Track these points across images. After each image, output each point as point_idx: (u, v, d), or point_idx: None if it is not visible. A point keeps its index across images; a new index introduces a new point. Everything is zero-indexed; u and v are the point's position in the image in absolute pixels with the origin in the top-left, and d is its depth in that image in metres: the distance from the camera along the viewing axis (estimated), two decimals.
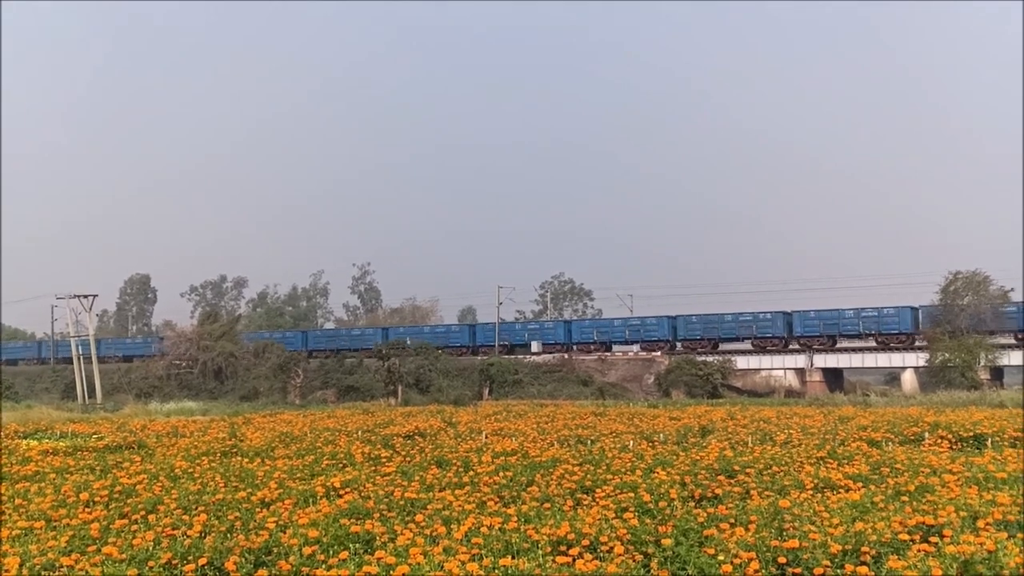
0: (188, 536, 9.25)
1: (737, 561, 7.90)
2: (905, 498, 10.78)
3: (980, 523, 9.06)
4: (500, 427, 25.43)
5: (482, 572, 7.60)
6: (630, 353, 66.06)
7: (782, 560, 8.05)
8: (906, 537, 8.59)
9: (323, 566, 8.09)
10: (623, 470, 13.79)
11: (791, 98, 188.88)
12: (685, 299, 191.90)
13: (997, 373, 56.30)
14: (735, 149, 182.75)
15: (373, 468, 15.25)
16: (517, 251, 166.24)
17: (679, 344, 65.70)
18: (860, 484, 12.33)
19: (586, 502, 11.39)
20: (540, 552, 8.37)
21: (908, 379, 58.29)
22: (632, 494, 11.27)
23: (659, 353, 64.50)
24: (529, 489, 12.29)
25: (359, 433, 23.78)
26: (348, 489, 12.56)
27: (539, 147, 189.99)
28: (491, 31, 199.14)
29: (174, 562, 8.33)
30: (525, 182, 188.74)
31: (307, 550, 8.41)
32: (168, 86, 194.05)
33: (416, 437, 22.51)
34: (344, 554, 8.33)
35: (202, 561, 8.24)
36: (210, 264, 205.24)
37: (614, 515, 9.98)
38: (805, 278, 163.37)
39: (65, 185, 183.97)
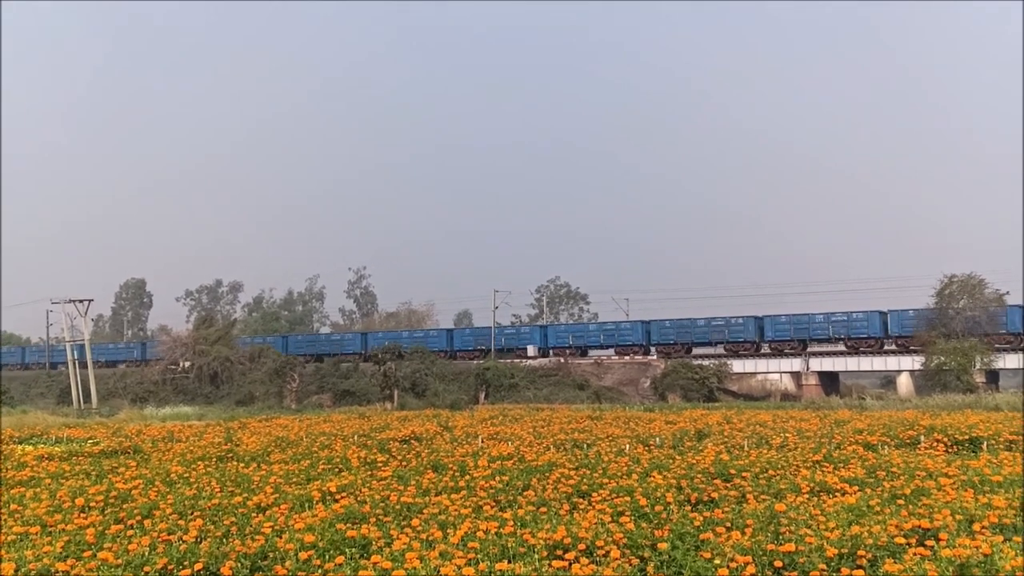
0: (184, 541, 9.24)
1: (733, 565, 7.90)
2: (901, 501, 10.80)
3: (976, 526, 9.08)
4: (496, 431, 25.42)
5: None
6: (625, 357, 66.14)
7: (778, 564, 8.06)
8: (902, 541, 8.60)
9: (319, 571, 8.08)
10: (619, 474, 13.80)
11: (791, 98, 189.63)
12: (685, 302, 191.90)
13: (993, 376, 56.41)
14: (735, 150, 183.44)
15: (369, 473, 15.24)
16: (515, 253, 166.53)
17: (653, 349, 66.38)
18: (856, 488, 12.34)
19: (582, 506, 11.38)
20: (536, 556, 8.37)
21: (904, 382, 58.34)
22: (628, 498, 11.27)
23: (655, 357, 64.60)
24: (525, 493, 12.28)
25: (355, 437, 23.76)
26: (344, 494, 12.55)
27: (538, 147, 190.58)
28: (491, 31, 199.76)
29: (170, 567, 8.31)
30: (524, 183, 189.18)
31: (303, 555, 8.40)
32: (168, 86, 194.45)
33: (412, 441, 22.48)
34: (340, 559, 8.33)
35: (198, 566, 8.23)
36: (207, 267, 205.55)
37: (610, 519, 9.98)
38: (806, 280, 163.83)
39: (65, 185, 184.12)
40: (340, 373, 67.01)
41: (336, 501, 11.98)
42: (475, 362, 67.63)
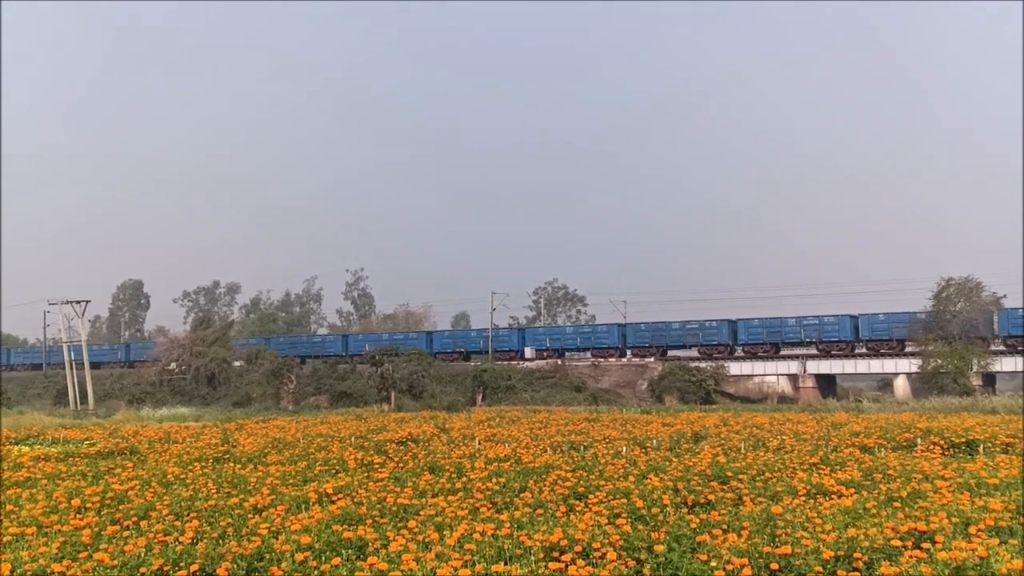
0: (180, 542, 9.23)
1: (730, 567, 7.91)
2: (897, 504, 10.80)
3: (972, 529, 9.09)
4: (493, 433, 25.41)
5: None
6: (623, 359, 66.22)
7: (774, 566, 8.06)
8: (898, 543, 8.61)
9: (316, 572, 8.08)
10: (616, 476, 13.80)
11: (791, 98, 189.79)
12: (684, 304, 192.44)
13: (989, 379, 56.49)
14: (735, 150, 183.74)
15: (366, 474, 15.24)
16: (514, 254, 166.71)
17: (628, 351, 66.91)
18: (853, 490, 12.36)
19: (579, 508, 11.39)
20: (533, 558, 8.37)
21: (900, 385, 58.43)
22: (625, 500, 11.28)
23: (651, 359, 64.67)
24: (522, 495, 12.29)
25: (352, 439, 23.75)
26: (341, 495, 12.55)
27: (538, 148, 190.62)
28: (491, 31, 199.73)
29: (166, 568, 8.30)
30: (523, 183, 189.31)
31: (299, 556, 8.40)
32: (168, 86, 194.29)
33: (409, 443, 22.48)
34: (337, 560, 8.33)
35: (194, 567, 8.22)
36: (205, 268, 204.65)
37: (607, 521, 9.98)
38: (805, 282, 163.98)
39: (65, 185, 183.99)
40: (337, 375, 66.95)
41: (333, 502, 11.97)
42: (471, 364, 67.65)
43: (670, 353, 65.54)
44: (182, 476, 15.18)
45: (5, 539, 9.64)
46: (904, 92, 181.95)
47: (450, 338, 73.95)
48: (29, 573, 8.05)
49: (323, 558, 8.51)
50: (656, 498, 11.39)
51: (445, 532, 9.51)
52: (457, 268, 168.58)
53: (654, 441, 21.39)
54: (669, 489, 12.28)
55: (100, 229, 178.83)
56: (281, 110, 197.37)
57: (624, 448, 19.54)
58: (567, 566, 7.96)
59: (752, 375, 62.24)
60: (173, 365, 71.52)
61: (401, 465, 16.73)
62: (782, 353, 61.97)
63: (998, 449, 18.62)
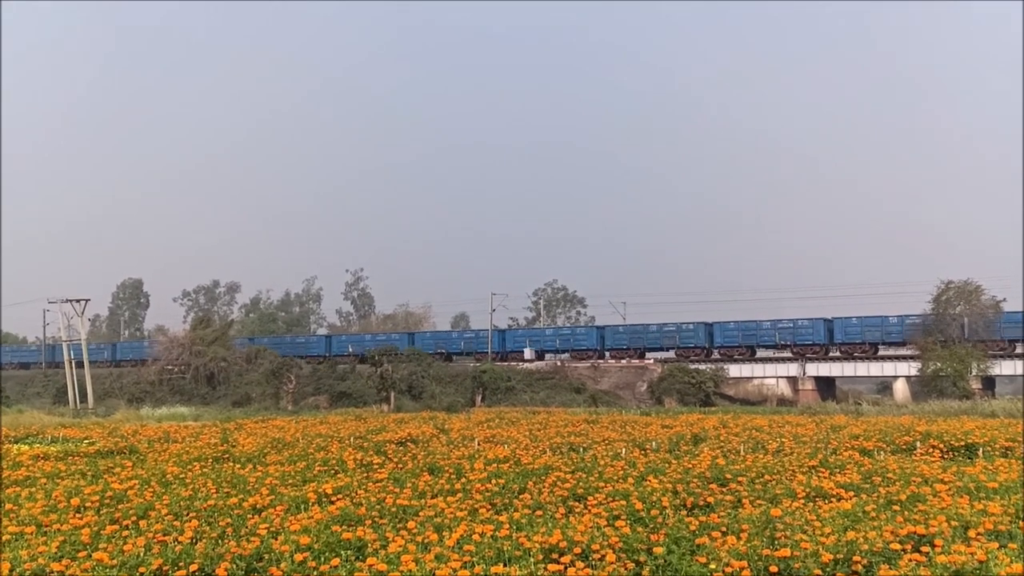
0: (179, 542, 9.23)
1: (729, 570, 7.91)
2: (897, 507, 10.80)
3: (971, 533, 9.09)
4: (492, 434, 25.41)
5: None
6: (623, 361, 66.24)
7: (774, 569, 8.06)
8: (897, 547, 8.61)
9: (315, 573, 8.08)
10: (615, 478, 13.80)
11: (791, 99, 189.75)
12: (684, 305, 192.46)
13: (989, 383, 56.49)
14: (736, 151, 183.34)
15: (365, 475, 15.24)
16: (514, 255, 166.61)
17: (607, 353, 67.60)
18: (852, 493, 12.35)
19: (578, 510, 11.38)
20: (532, 560, 8.37)
21: (900, 388, 58.43)
22: (624, 502, 11.27)
23: (651, 361, 64.73)
24: (521, 496, 12.29)
25: (351, 439, 23.75)
26: (340, 496, 12.55)
27: (538, 148, 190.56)
28: (491, 31, 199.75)
29: (165, 568, 8.30)
30: (524, 183, 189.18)
31: (298, 557, 8.39)
32: (168, 86, 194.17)
33: (408, 444, 22.48)
34: (336, 561, 8.33)
35: (193, 567, 8.22)
36: (204, 268, 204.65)
37: (606, 523, 9.98)
38: (805, 284, 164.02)
39: (65, 185, 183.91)
40: (337, 375, 66.95)
41: (332, 503, 11.97)
42: (471, 365, 67.70)
43: (648, 355, 66.46)
44: (181, 476, 15.17)
45: (4, 538, 9.64)
46: (904, 92, 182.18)
47: (431, 339, 74.34)
48: (28, 572, 8.05)
49: (322, 558, 8.50)
50: (655, 500, 11.39)
51: (444, 533, 9.51)
52: (457, 269, 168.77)
53: (653, 443, 21.39)
54: (668, 491, 12.27)
55: (100, 229, 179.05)
56: (281, 110, 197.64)
57: (623, 450, 19.54)
58: (566, 568, 7.97)
59: (751, 377, 62.29)
60: (171, 367, 71.52)
61: (400, 466, 16.73)
62: (782, 355, 62.17)
63: (997, 453, 18.62)
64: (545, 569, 8.07)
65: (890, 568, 7.87)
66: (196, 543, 9.27)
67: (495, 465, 15.76)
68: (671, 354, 65.23)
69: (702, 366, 61.69)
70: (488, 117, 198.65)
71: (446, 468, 15.54)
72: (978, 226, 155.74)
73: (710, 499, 12.07)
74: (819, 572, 7.97)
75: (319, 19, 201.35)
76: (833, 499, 12.01)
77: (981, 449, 18.97)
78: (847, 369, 60.82)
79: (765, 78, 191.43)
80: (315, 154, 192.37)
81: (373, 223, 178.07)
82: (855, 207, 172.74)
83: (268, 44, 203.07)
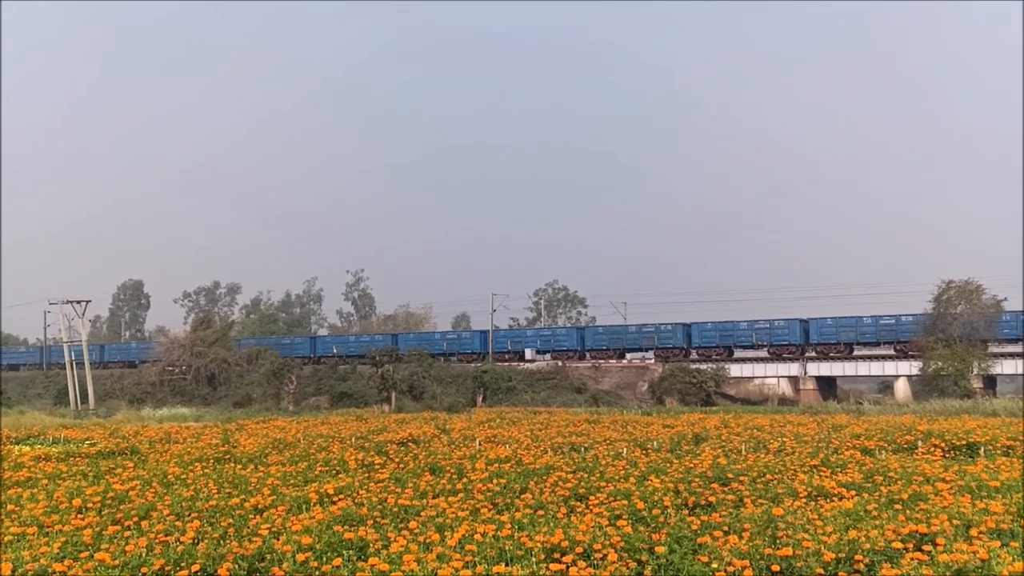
0: (181, 542, 9.23)
1: (731, 569, 7.91)
2: (898, 506, 10.80)
3: (973, 532, 9.08)
4: (494, 434, 25.41)
5: None
6: (624, 360, 66.29)
7: (775, 568, 8.06)
8: (899, 545, 8.61)
9: (317, 573, 8.08)
10: (617, 477, 13.80)
11: (791, 99, 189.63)
12: (684, 305, 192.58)
13: (990, 382, 56.46)
14: (736, 151, 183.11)
15: (367, 475, 15.24)
16: (515, 255, 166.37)
17: (588, 354, 68.24)
18: (854, 492, 12.35)
19: (580, 509, 11.38)
20: (534, 559, 8.37)
21: (901, 387, 58.41)
22: (626, 501, 11.27)
23: (652, 360, 64.77)
24: (523, 496, 12.29)
25: (352, 440, 23.75)
26: (342, 496, 12.55)
27: (538, 148, 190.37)
28: (491, 31, 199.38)
29: (167, 568, 8.31)
30: (524, 184, 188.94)
31: (300, 557, 8.40)
32: (168, 86, 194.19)
33: (410, 444, 22.48)
34: (338, 561, 8.33)
35: (195, 568, 8.22)
36: (205, 268, 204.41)
37: (608, 522, 9.98)
38: (805, 283, 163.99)
39: (65, 185, 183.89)
40: (338, 375, 67.02)
41: (333, 503, 11.97)
42: (472, 365, 67.78)
43: (627, 356, 67.28)
44: (183, 476, 15.18)
45: (6, 539, 9.65)
46: (904, 92, 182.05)
47: (415, 340, 74.43)
48: (30, 573, 8.05)
49: (324, 559, 8.51)
50: (657, 500, 11.38)
51: (446, 533, 9.52)
52: (457, 269, 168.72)
53: (655, 443, 21.39)
54: (670, 491, 12.27)
55: (100, 229, 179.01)
56: (281, 110, 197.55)
57: (625, 450, 19.53)
58: (568, 567, 7.97)
59: (753, 377, 62.30)
60: (172, 367, 71.58)
61: (402, 466, 16.73)
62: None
63: (999, 452, 18.61)
64: (547, 569, 8.06)
65: (892, 567, 7.87)
66: (198, 543, 9.28)
67: (496, 465, 15.76)
68: (649, 354, 66.16)
69: (703, 366, 61.72)
70: (488, 117, 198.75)
71: (448, 468, 15.54)
72: (978, 226, 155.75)
73: (712, 498, 12.07)
74: (821, 571, 7.97)
75: (319, 19, 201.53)
76: (835, 498, 12.01)
77: (983, 448, 18.96)
78: (848, 369, 60.81)
79: (765, 78, 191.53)
80: (315, 154, 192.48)
81: (373, 223, 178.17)
82: (855, 207, 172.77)
83: (268, 44, 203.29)
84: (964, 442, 19.63)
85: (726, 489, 12.78)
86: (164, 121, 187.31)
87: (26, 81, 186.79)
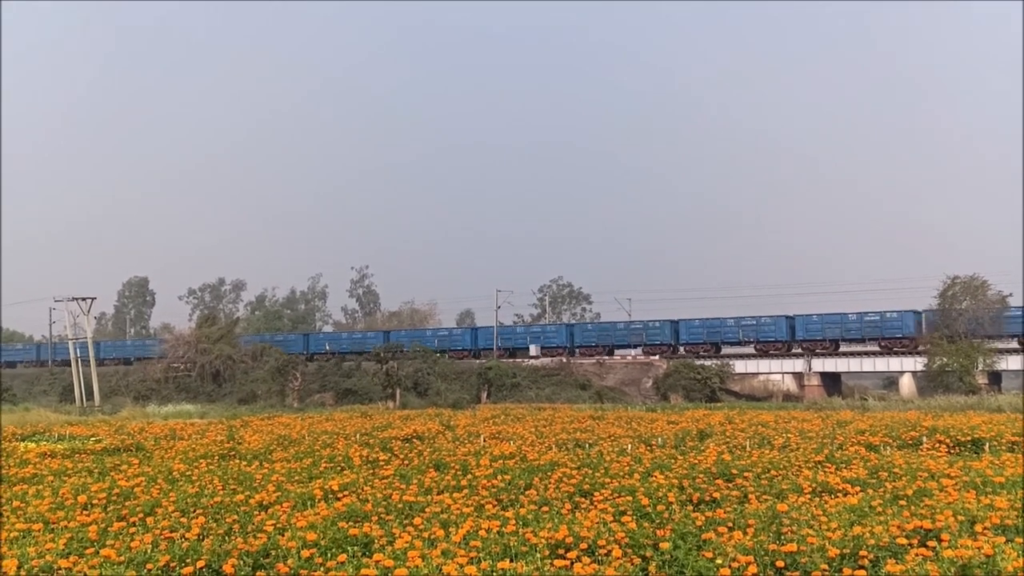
0: (186, 538, 9.25)
1: (735, 565, 7.90)
2: (903, 502, 10.79)
3: (978, 527, 9.06)
4: (498, 430, 25.43)
5: (480, 575, 7.60)
6: (628, 357, 66.31)
7: (780, 564, 8.05)
8: (904, 541, 8.60)
9: (321, 569, 8.09)
10: (621, 474, 13.80)
11: (791, 99, 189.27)
12: (687, 302, 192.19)
13: (995, 378, 56.35)
14: (736, 151, 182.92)
15: (371, 471, 15.25)
16: (520, 252, 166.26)
17: (577, 351, 68.90)
18: (858, 488, 12.33)
19: (584, 505, 11.39)
20: (538, 555, 8.37)
21: (906, 383, 58.32)
22: (630, 498, 11.27)
23: (657, 357, 64.80)
24: (527, 492, 12.29)
25: (357, 436, 23.78)
26: (346, 492, 12.56)
27: (539, 148, 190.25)
28: (491, 31, 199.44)
29: (172, 564, 8.32)
30: (524, 184, 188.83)
31: (305, 553, 8.41)
32: (168, 86, 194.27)
33: (414, 440, 22.50)
34: (342, 557, 8.33)
35: (200, 564, 8.24)
36: (205, 268, 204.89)
37: (612, 518, 9.97)
38: (807, 281, 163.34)
39: (66, 184, 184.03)
40: (342, 372, 67.14)
41: (338, 499, 11.98)
42: (476, 361, 67.90)
43: (616, 353, 67.94)
44: (188, 473, 15.21)
45: (12, 535, 9.68)
46: (904, 92, 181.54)
47: (406, 337, 74.54)
48: (36, 569, 8.07)
49: (329, 554, 8.52)
50: (661, 496, 11.38)
51: (451, 529, 9.52)
52: (458, 268, 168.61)
53: (659, 439, 21.39)
54: (674, 487, 12.27)
55: (100, 229, 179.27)
56: (281, 110, 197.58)
57: (629, 446, 19.54)
58: (572, 563, 7.97)
59: (757, 373, 62.26)
60: (177, 364, 71.72)
61: (406, 462, 16.75)
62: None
63: (1004, 447, 18.59)
64: (551, 564, 8.06)
65: (897, 563, 7.85)
66: (203, 539, 9.29)
67: (501, 461, 15.77)
68: (638, 351, 66.88)
69: (708, 362, 61.70)
70: (488, 117, 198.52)
71: (452, 464, 15.55)
72: (978, 226, 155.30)
73: (716, 494, 12.07)
74: (825, 567, 7.97)
75: (319, 19, 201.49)
76: (839, 494, 12.00)
77: (987, 444, 18.94)
78: (853, 365, 60.77)
79: (765, 78, 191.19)
80: (315, 154, 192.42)
81: (373, 223, 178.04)
82: (855, 207, 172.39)
83: (268, 44, 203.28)
84: (969, 438, 19.61)
85: (730, 485, 12.78)
86: (164, 121, 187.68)
87: (26, 81, 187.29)
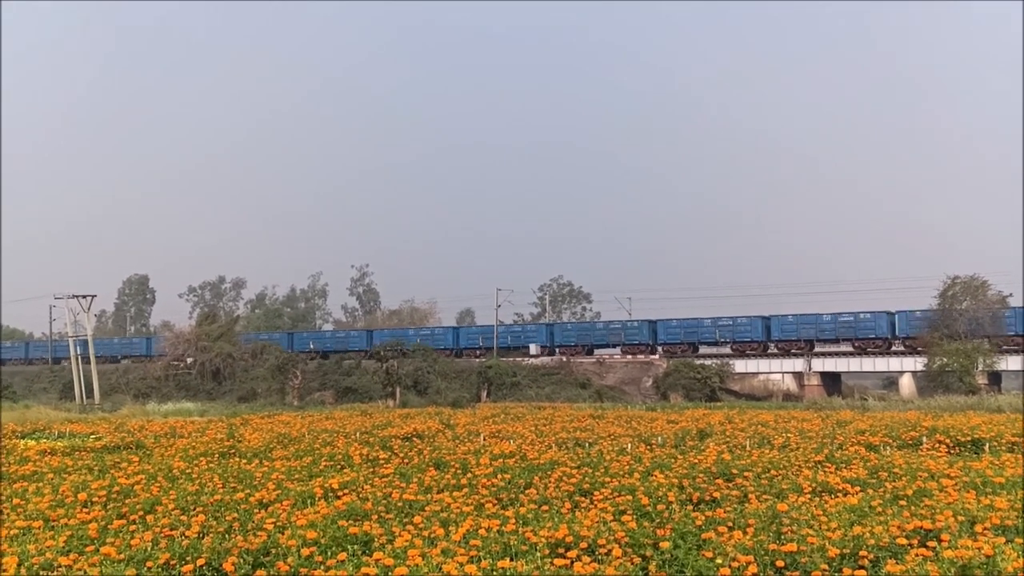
0: (186, 537, 9.24)
1: (735, 564, 7.90)
2: (903, 502, 10.79)
3: (978, 528, 9.07)
4: (498, 429, 25.43)
5: (480, 574, 7.60)
6: (627, 356, 66.34)
7: (780, 564, 8.06)
8: (904, 541, 8.60)
9: (321, 567, 8.08)
10: (621, 473, 13.80)
11: (791, 99, 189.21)
12: (688, 301, 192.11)
13: (995, 378, 56.33)
14: (736, 151, 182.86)
15: (371, 470, 15.26)
16: (521, 251, 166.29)
17: (557, 350, 69.39)
18: (858, 488, 12.34)
19: (584, 504, 11.39)
20: (538, 554, 8.37)
21: (906, 383, 58.31)
22: (630, 497, 11.28)
23: (656, 356, 64.85)
24: (527, 491, 12.29)
25: (357, 435, 23.78)
26: (346, 490, 12.56)
27: (539, 148, 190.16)
28: (491, 31, 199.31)
29: (172, 562, 8.33)
30: (524, 184, 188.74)
31: (305, 551, 8.41)
32: (168, 86, 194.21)
33: (414, 439, 22.50)
34: (342, 555, 8.33)
35: (200, 562, 8.24)
36: (205, 268, 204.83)
37: (612, 518, 9.98)
38: (808, 280, 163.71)
39: (66, 184, 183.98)
40: (342, 370, 67.14)
41: (338, 498, 11.98)
42: (476, 360, 67.92)
43: (596, 352, 68.29)
44: (188, 471, 15.21)
45: (12, 533, 9.68)
46: (904, 92, 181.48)
47: (390, 336, 74.54)
48: (36, 566, 8.07)
49: (329, 553, 8.51)
50: (661, 495, 11.39)
51: (451, 528, 9.53)
52: (458, 268, 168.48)
53: (659, 438, 21.39)
54: (674, 486, 12.27)
55: (100, 229, 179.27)
56: (281, 110, 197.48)
57: (629, 445, 19.54)
58: (572, 562, 7.96)
59: (757, 373, 62.25)
60: (177, 362, 71.75)
61: (406, 461, 16.76)
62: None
63: (1004, 448, 18.59)
64: (551, 564, 8.06)
65: (896, 563, 7.86)
66: (203, 537, 9.29)
67: (501, 460, 15.77)
68: (616, 350, 67.46)
69: (708, 361, 61.71)
70: (488, 117, 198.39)
71: (452, 463, 15.55)
72: (978, 226, 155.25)
73: (716, 494, 12.07)
74: (825, 567, 7.97)
75: (319, 19, 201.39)
76: (839, 494, 12.00)
77: (987, 444, 18.95)
78: (853, 364, 60.76)
79: (765, 78, 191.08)
80: (315, 154, 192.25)
81: (373, 223, 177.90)
82: (855, 207, 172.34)
83: (268, 44, 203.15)
84: (969, 438, 19.61)
85: (730, 485, 12.79)
86: (164, 121, 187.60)
87: (26, 81, 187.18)
